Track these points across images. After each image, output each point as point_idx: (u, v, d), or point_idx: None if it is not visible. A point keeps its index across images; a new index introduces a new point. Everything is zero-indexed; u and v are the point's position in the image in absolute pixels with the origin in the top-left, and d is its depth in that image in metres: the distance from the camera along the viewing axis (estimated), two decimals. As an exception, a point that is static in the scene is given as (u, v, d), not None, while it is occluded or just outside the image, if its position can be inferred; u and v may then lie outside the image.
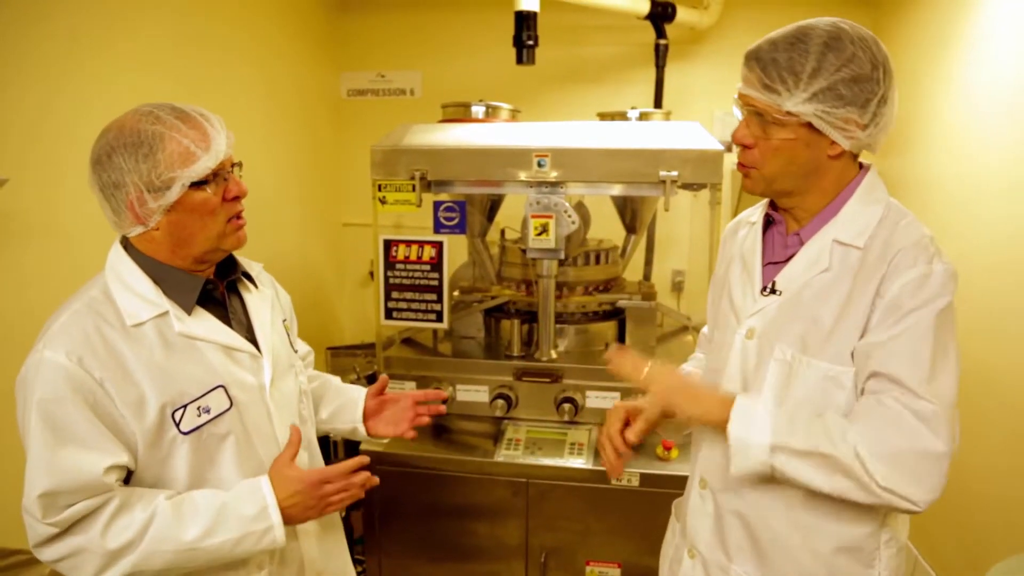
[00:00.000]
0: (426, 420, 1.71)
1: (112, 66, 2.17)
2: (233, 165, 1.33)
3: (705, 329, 1.73)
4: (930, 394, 1.15)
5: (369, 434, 1.71)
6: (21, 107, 1.89)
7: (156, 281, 1.28)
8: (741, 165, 1.33)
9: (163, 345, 1.26)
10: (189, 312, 1.30)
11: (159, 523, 1.22)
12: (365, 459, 1.44)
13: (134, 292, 1.26)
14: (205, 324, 1.33)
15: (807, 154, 1.25)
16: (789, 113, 1.21)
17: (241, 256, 1.49)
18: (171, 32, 2.44)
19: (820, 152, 1.25)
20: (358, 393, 1.73)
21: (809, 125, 1.21)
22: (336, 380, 1.78)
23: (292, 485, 1.33)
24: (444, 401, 1.75)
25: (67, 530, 1.20)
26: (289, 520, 1.33)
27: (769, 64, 1.22)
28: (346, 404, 1.71)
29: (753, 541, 1.36)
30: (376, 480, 1.46)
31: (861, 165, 1.34)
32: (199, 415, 1.27)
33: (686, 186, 2.34)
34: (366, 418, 1.69)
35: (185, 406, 1.26)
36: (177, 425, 1.25)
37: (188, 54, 2.53)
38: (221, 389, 1.30)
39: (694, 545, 1.47)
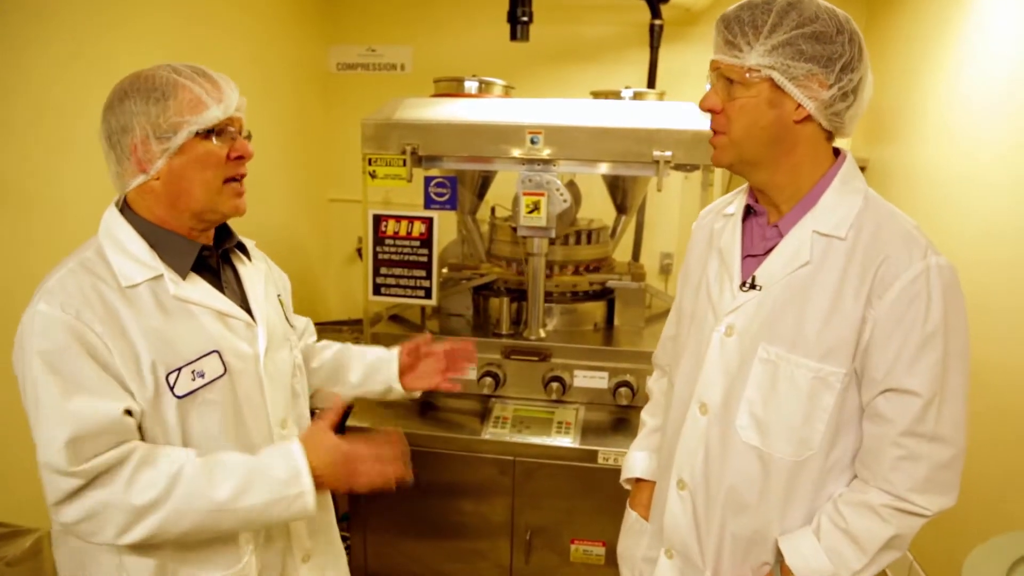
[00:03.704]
0: (463, 370, 1.73)
1: (101, 38, 2.13)
2: (247, 136, 1.32)
3: (668, 332, 1.67)
4: (940, 416, 1.19)
5: (405, 389, 1.71)
6: (25, 87, 1.90)
7: (152, 245, 1.26)
8: (712, 134, 1.30)
9: (158, 308, 1.24)
10: (184, 276, 1.28)
11: (188, 479, 1.18)
12: (402, 436, 1.40)
13: (129, 254, 1.24)
14: (200, 289, 1.31)
15: (771, 115, 1.21)
16: (751, 69, 1.19)
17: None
18: (158, 4, 2.38)
19: (785, 114, 1.21)
20: (389, 353, 1.72)
21: (772, 84, 1.19)
22: (354, 346, 1.76)
23: (329, 454, 1.30)
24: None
25: (89, 484, 1.15)
26: (318, 487, 1.29)
27: (733, 22, 1.21)
28: (377, 364, 1.69)
29: (733, 541, 1.34)
30: (411, 477, 1.39)
31: (838, 153, 1.30)
32: (193, 379, 1.25)
33: (679, 167, 2.33)
34: (401, 374, 1.70)
35: (180, 369, 1.24)
36: (171, 388, 1.23)
37: (175, 26, 2.48)
38: (216, 355, 1.28)
39: (672, 546, 1.44)
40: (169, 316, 1.25)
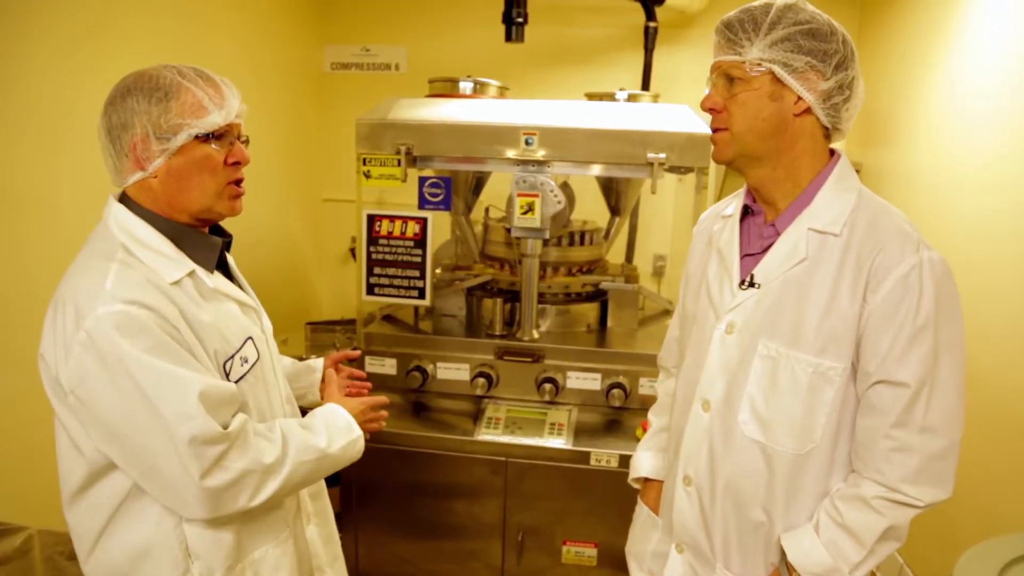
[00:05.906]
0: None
1: (93, 37, 2.12)
2: (244, 141, 1.34)
3: (672, 334, 1.69)
4: (930, 407, 1.20)
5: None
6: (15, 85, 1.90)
7: (174, 240, 1.27)
8: (713, 132, 1.33)
9: (202, 299, 1.28)
10: (211, 271, 1.33)
11: (296, 435, 1.34)
12: (385, 399, 1.64)
13: (159, 252, 1.25)
14: (222, 281, 1.36)
15: (772, 107, 1.25)
16: (753, 64, 1.23)
17: None
18: (151, 3, 2.37)
19: (785, 107, 1.24)
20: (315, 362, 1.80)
21: (773, 77, 1.23)
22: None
23: (353, 406, 1.54)
24: (354, 361, 1.90)
25: (229, 449, 1.20)
26: None
27: (735, 22, 1.27)
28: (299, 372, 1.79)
29: (740, 534, 1.36)
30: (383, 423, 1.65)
31: (832, 153, 1.33)
32: (241, 365, 1.32)
33: (673, 169, 2.33)
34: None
35: (232, 356, 1.30)
36: (227, 376, 1.28)
37: (168, 25, 2.47)
38: (251, 341, 1.36)
39: (682, 541, 1.46)
40: (213, 306, 1.29)
